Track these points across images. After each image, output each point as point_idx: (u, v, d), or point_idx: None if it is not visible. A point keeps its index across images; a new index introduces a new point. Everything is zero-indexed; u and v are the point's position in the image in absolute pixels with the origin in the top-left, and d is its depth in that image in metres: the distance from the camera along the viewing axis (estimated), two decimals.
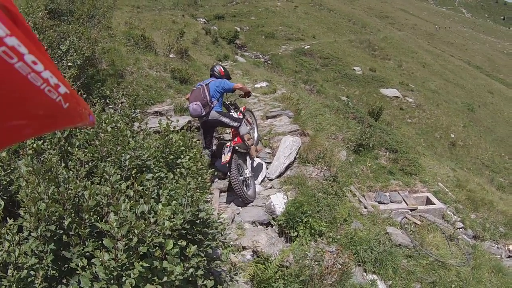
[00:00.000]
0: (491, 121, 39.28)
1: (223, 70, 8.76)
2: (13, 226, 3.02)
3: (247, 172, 8.21)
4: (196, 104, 7.93)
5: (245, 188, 7.75)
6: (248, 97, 9.20)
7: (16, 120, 1.00)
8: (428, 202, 10.80)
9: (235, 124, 8.13)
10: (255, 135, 9.77)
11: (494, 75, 68.68)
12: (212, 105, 8.00)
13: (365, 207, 9.46)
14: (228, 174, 7.82)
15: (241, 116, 8.61)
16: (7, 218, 3.13)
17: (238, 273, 5.42)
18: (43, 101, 1.03)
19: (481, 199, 12.23)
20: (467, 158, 28.12)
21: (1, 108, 0.95)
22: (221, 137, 10.56)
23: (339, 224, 7.93)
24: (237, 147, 8.03)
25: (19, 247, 2.90)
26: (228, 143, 8.03)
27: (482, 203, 12.09)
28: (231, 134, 8.87)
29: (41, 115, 1.06)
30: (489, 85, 55.42)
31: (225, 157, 7.63)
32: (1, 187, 3.73)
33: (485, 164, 28.18)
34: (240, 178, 7.63)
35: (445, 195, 11.54)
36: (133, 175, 3.53)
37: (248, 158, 8.70)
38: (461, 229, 10.28)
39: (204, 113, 7.94)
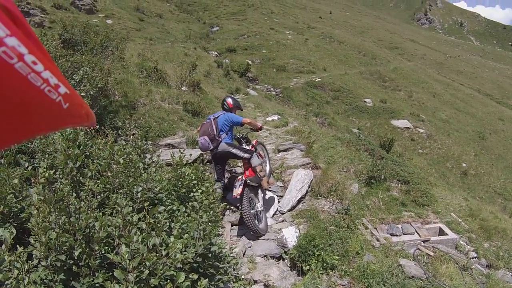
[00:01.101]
0: (503, 148, 39.02)
1: (231, 103, 8.80)
2: (23, 254, 3.02)
3: (259, 206, 8.20)
4: (203, 138, 8.05)
5: (256, 221, 7.73)
6: (259, 131, 9.22)
7: (16, 120, 1.01)
8: (441, 232, 10.69)
9: (246, 155, 8.16)
10: (267, 168, 9.77)
11: (504, 102, 68.46)
12: (220, 139, 8.07)
13: (378, 240, 9.39)
14: (240, 207, 7.81)
15: (253, 150, 8.65)
16: (17, 245, 3.14)
17: None
18: (43, 101, 1.05)
19: (494, 228, 12.09)
20: (479, 186, 27.87)
21: (1, 108, 0.96)
22: (233, 170, 10.58)
23: (351, 257, 7.86)
24: (248, 181, 8.02)
25: (28, 275, 2.89)
26: (240, 177, 8.04)
27: (495, 231, 11.95)
28: (243, 167, 8.87)
29: (41, 115, 1.08)
30: (499, 112, 55.20)
31: (237, 191, 7.62)
32: (12, 214, 3.76)
33: (497, 192, 27.91)
34: (251, 211, 7.61)
35: (458, 225, 11.42)
36: (146, 207, 3.55)
37: (259, 191, 8.70)
38: (474, 259, 10.14)
39: (211, 147, 8.03)
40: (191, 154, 6.94)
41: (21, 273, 2.89)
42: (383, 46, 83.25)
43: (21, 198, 3.88)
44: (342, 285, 6.98)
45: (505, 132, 45.94)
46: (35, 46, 1.02)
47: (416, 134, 33.10)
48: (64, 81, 1.11)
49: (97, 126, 6.45)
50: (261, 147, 9.82)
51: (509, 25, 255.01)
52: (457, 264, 9.28)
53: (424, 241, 10.07)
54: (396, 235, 10.03)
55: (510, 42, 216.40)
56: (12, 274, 2.87)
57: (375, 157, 13.77)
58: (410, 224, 10.70)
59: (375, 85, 46.96)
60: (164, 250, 3.16)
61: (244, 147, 8.63)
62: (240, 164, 10.44)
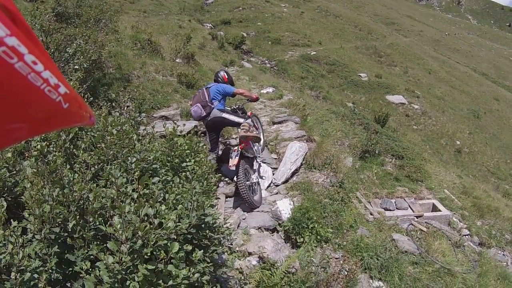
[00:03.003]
0: (497, 128, 39.13)
1: (226, 77, 8.78)
2: (17, 228, 2.99)
3: (254, 178, 8.18)
4: (196, 106, 8.03)
5: (251, 193, 7.71)
6: (255, 102, 9.18)
7: (16, 120, 1.01)
8: (434, 209, 10.73)
9: (241, 120, 8.10)
10: (261, 140, 9.74)
11: (500, 82, 68.46)
12: (212, 106, 8.04)
13: (371, 214, 9.41)
14: (235, 179, 7.80)
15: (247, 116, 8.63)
16: (11, 220, 3.11)
17: (248, 282, 5.40)
18: (43, 101, 1.03)
19: (487, 206, 12.16)
20: (472, 165, 27.99)
21: (1, 108, 0.94)
22: (227, 142, 10.54)
23: (345, 231, 7.89)
24: (244, 152, 8.00)
25: (22, 249, 2.87)
26: (236, 148, 8.00)
27: (488, 210, 12.02)
28: (238, 138, 8.83)
29: (41, 115, 1.07)
30: (495, 92, 55.21)
31: (233, 161, 7.59)
32: (6, 189, 3.72)
33: (491, 171, 28.05)
34: (247, 183, 7.60)
35: (451, 202, 11.47)
36: (136, 177, 3.52)
37: (255, 163, 8.68)
38: (467, 236, 10.21)
39: (204, 113, 7.98)
40: (184, 125, 6.86)
41: (16, 247, 2.86)
42: (379, 21, 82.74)
43: (14, 172, 3.84)
44: (336, 258, 7.02)
45: (500, 112, 46.01)
46: (35, 46, 1.00)
47: (411, 110, 33.10)
48: (64, 81, 1.10)
49: (91, 99, 6.40)
50: (255, 119, 9.77)
51: (507, 5, 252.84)
52: (450, 240, 9.33)
53: (417, 217, 10.11)
54: (390, 210, 10.06)
55: (507, 23, 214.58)
56: (6, 249, 2.84)
57: (370, 132, 13.76)
58: (403, 199, 10.73)
59: (370, 60, 46.82)
60: (157, 220, 3.13)
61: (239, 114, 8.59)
62: (234, 136, 10.42)
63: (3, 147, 1.06)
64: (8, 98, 0.94)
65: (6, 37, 0.89)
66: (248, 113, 9.15)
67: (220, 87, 8.27)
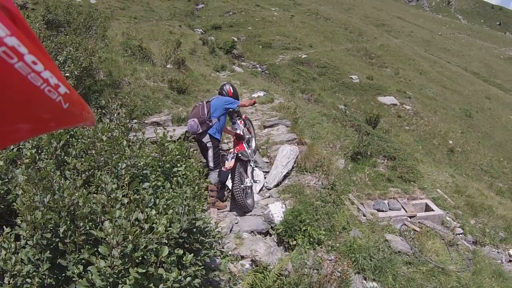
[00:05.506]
0: (489, 126, 39.34)
1: (231, 90, 8.53)
2: (11, 235, 3.01)
3: (248, 181, 8.15)
4: (193, 120, 7.69)
5: (245, 197, 7.70)
6: (253, 105, 9.16)
7: (16, 120, 1.01)
8: (427, 208, 10.77)
9: (211, 165, 7.80)
10: (253, 144, 9.75)
11: (491, 81, 68.89)
12: (210, 124, 7.74)
13: (364, 215, 9.45)
14: (227, 183, 7.80)
15: (242, 125, 8.60)
16: (4, 226, 3.13)
17: (238, 283, 5.40)
18: (43, 101, 1.04)
19: (480, 205, 12.21)
20: (465, 164, 28.11)
21: (1, 108, 0.95)
22: (220, 147, 10.54)
23: (337, 232, 7.93)
24: (240, 155, 7.95)
25: (15, 255, 2.89)
26: (232, 150, 7.96)
27: (481, 208, 12.07)
28: (233, 142, 8.76)
29: (41, 115, 1.07)
30: (486, 91, 55.55)
31: (229, 163, 7.54)
32: None
33: (484, 169, 28.19)
34: (241, 186, 7.57)
35: (444, 201, 11.52)
36: (126, 182, 3.54)
37: (249, 167, 8.67)
38: (460, 235, 10.26)
39: (200, 130, 7.66)
40: (174, 130, 6.78)
41: (9, 253, 2.88)
42: (370, 23, 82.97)
43: (7, 180, 3.84)
44: (329, 260, 7.04)
45: (492, 110, 46.28)
46: (35, 46, 1.01)
47: (403, 111, 33.21)
48: (64, 81, 1.10)
49: None
50: (248, 123, 9.77)
51: (497, 4, 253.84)
52: (443, 240, 9.38)
53: (410, 217, 10.15)
54: (383, 211, 10.10)
55: (497, 22, 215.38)
56: None
57: (361, 133, 13.79)
58: (396, 200, 10.77)
59: (361, 62, 46.99)
60: (147, 224, 3.16)
61: (244, 130, 8.46)
62: (226, 140, 10.42)
63: (3, 146, 1.06)
64: (8, 98, 0.95)
65: (6, 37, 0.90)
66: (243, 116, 9.15)
67: (223, 104, 8.03)
